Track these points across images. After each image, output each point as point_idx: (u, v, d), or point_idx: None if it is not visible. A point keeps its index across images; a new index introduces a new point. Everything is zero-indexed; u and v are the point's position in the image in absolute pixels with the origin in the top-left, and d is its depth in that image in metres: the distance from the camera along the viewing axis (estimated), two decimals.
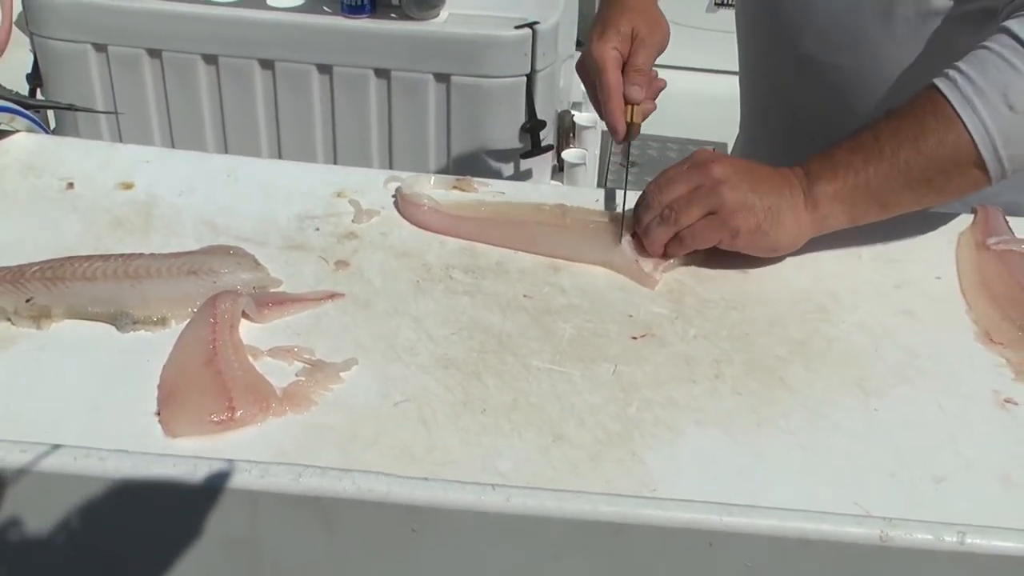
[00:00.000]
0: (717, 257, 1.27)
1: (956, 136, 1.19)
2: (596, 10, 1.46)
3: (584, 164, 2.64)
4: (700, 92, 3.71)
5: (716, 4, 3.78)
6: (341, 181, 1.38)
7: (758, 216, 1.22)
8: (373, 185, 1.38)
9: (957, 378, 1.12)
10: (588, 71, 1.39)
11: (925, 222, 1.35)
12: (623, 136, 1.35)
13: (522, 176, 2.51)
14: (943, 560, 0.86)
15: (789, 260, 1.28)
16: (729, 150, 1.91)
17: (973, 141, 1.18)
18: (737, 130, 1.82)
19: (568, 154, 2.65)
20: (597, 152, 2.85)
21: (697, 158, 1.27)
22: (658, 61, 4.06)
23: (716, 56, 3.60)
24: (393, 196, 1.35)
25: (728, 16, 3.72)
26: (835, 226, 1.25)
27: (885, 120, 1.24)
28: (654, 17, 1.41)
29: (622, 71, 1.36)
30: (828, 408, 1.08)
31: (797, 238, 1.25)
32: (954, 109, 1.19)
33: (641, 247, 1.27)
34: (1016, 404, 1.09)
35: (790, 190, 1.24)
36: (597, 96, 1.37)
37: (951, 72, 1.20)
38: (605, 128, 1.40)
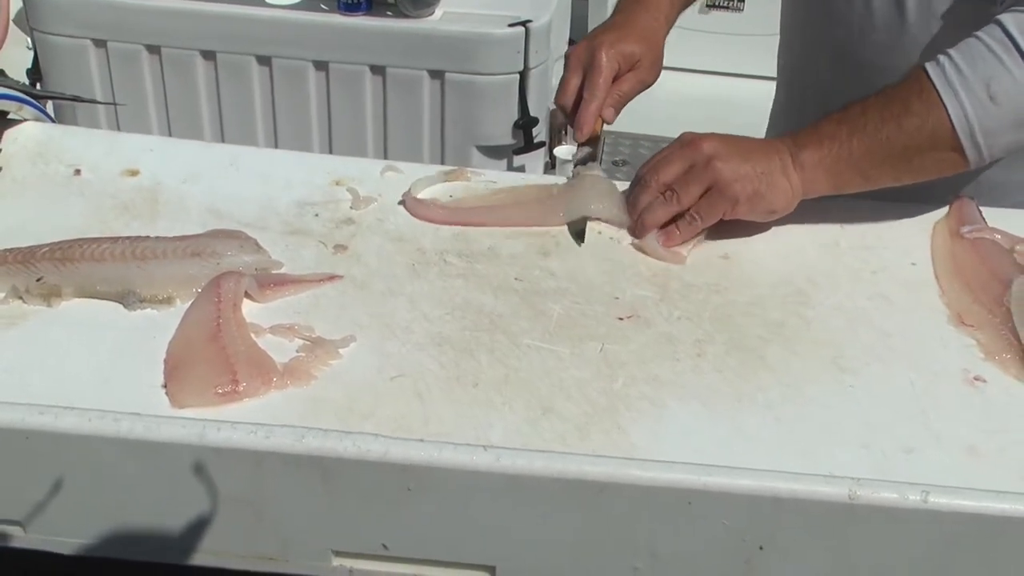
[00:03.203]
0: (701, 243, 1.33)
1: (937, 119, 1.26)
2: (614, 9, 1.52)
3: (573, 160, 2.69)
4: (692, 93, 3.77)
5: (708, 6, 3.82)
6: (339, 170, 1.43)
7: (754, 182, 1.29)
8: (370, 174, 1.42)
9: (929, 357, 1.18)
10: (580, 62, 1.44)
11: (902, 212, 1.40)
12: (586, 137, 1.42)
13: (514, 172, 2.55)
14: (908, 518, 0.91)
15: (771, 247, 1.33)
16: None
17: (952, 126, 1.25)
18: (727, 131, 1.86)
19: (560, 151, 2.70)
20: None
21: (685, 138, 1.34)
22: None
23: (709, 58, 3.66)
24: (400, 201, 1.39)
25: (720, 17, 3.78)
26: (820, 191, 1.32)
27: (875, 97, 1.30)
28: (658, 57, 1.49)
29: None
30: (804, 384, 1.13)
31: (790, 200, 1.31)
32: (938, 94, 1.25)
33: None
34: (984, 381, 1.15)
35: (779, 156, 1.30)
36: (572, 88, 1.43)
37: (941, 58, 1.27)
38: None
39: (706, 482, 0.91)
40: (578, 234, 1.33)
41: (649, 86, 1.49)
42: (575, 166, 1.43)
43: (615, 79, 1.43)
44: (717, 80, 3.75)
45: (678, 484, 0.92)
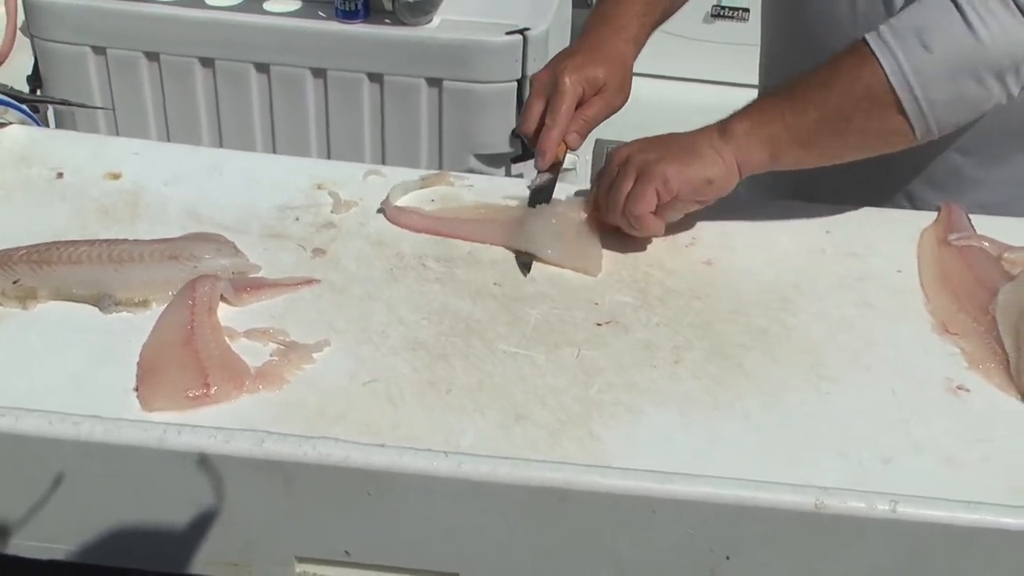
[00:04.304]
0: (684, 250, 1.32)
1: (871, 73, 1.23)
2: (581, 31, 1.50)
3: (575, 169, 2.68)
4: (695, 102, 3.75)
5: (713, 15, 3.80)
6: (322, 173, 1.42)
7: (678, 157, 1.28)
8: (352, 178, 1.42)
9: (912, 365, 1.16)
10: (543, 88, 1.42)
11: (889, 219, 1.38)
12: (547, 164, 1.39)
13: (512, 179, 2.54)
14: (877, 528, 0.89)
15: (755, 254, 1.32)
16: None
17: (887, 78, 1.22)
18: None
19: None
20: (589, 158, 2.89)
21: (609, 159, 1.33)
22: (655, 71, 4.03)
23: (712, 67, 3.65)
24: (380, 209, 1.37)
25: (724, 27, 3.77)
26: (759, 163, 1.29)
27: (813, 69, 1.29)
28: (625, 81, 1.46)
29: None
30: (784, 392, 1.11)
31: (725, 171, 1.28)
32: (871, 50, 1.23)
33: None
34: (968, 391, 1.13)
35: (703, 134, 1.30)
36: (534, 115, 1.41)
37: (880, 24, 1.25)
38: (592, 138, 1.43)
39: (668, 490, 0.90)
40: (525, 266, 1.29)
41: (617, 110, 1.46)
42: (532, 192, 1.40)
43: (580, 104, 1.41)
44: (722, 90, 3.73)
45: (640, 492, 0.90)
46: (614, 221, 1.31)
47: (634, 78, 1.51)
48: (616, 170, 1.31)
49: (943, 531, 0.89)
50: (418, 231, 1.34)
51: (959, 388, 1.13)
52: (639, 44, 1.49)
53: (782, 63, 1.63)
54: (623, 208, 1.29)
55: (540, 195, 1.39)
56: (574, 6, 2.89)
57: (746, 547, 0.92)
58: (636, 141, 1.32)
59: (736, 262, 1.30)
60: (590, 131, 1.43)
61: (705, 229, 1.35)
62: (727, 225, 1.36)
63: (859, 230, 1.35)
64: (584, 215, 1.35)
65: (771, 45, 1.68)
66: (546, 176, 1.40)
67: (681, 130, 1.67)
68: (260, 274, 1.25)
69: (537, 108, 1.41)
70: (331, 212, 1.35)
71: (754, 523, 0.90)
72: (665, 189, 1.27)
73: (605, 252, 1.31)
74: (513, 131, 2.47)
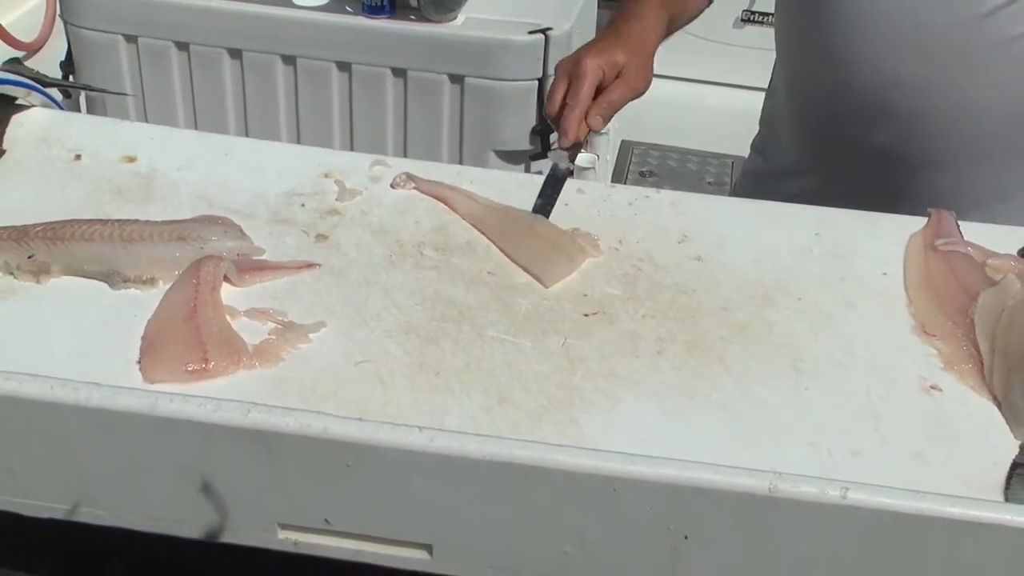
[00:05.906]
0: (676, 246, 1.36)
1: None
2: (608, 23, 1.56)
3: (594, 168, 2.71)
4: (724, 107, 3.78)
5: (743, 20, 3.83)
6: (329, 162, 1.47)
7: None
8: (359, 167, 1.46)
9: (888, 364, 1.19)
10: (567, 73, 1.47)
11: (880, 223, 1.41)
12: (570, 143, 1.45)
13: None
14: (828, 513, 0.93)
15: (744, 252, 1.35)
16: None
17: None
18: None
19: (578, 158, 2.72)
20: (609, 158, 2.93)
21: None
22: (684, 74, 4.05)
23: (741, 72, 3.67)
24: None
25: (754, 32, 3.79)
26: None
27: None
28: (646, 64, 1.51)
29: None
30: (760, 385, 1.15)
31: None
32: None
33: None
34: (940, 390, 1.16)
35: None
36: (558, 98, 1.46)
37: None
38: (619, 139, 1.47)
39: (629, 470, 0.93)
40: None
41: (640, 93, 1.51)
42: (565, 168, 1.47)
43: (603, 88, 1.46)
44: (751, 94, 3.75)
45: (602, 471, 0.94)
46: None
47: (663, 80, 1.55)
48: None
49: (893, 518, 0.92)
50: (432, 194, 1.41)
51: (932, 388, 1.16)
52: (658, 33, 1.54)
53: (803, 79, 1.66)
54: None
55: (545, 206, 1.41)
56: (599, 6, 2.93)
57: (704, 528, 0.96)
58: None
59: (725, 259, 1.34)
60: (613, 114, 1.47)
61: (698, 227, 1.38)
62: (720, 224, 1.39)
63: (848, 233, 1.38)
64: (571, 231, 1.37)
65: (787, 60, 1.71)
66: (563, 154, 1.45)
67: (708, 133, 1.69)
68: (264, 257, 1.30)
69: (561, 90, 1.46)
70: (336, 200, 1.40)
71: (711, 505, 0.94)
72: None
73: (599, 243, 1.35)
74: (533, 128, 2.52)
